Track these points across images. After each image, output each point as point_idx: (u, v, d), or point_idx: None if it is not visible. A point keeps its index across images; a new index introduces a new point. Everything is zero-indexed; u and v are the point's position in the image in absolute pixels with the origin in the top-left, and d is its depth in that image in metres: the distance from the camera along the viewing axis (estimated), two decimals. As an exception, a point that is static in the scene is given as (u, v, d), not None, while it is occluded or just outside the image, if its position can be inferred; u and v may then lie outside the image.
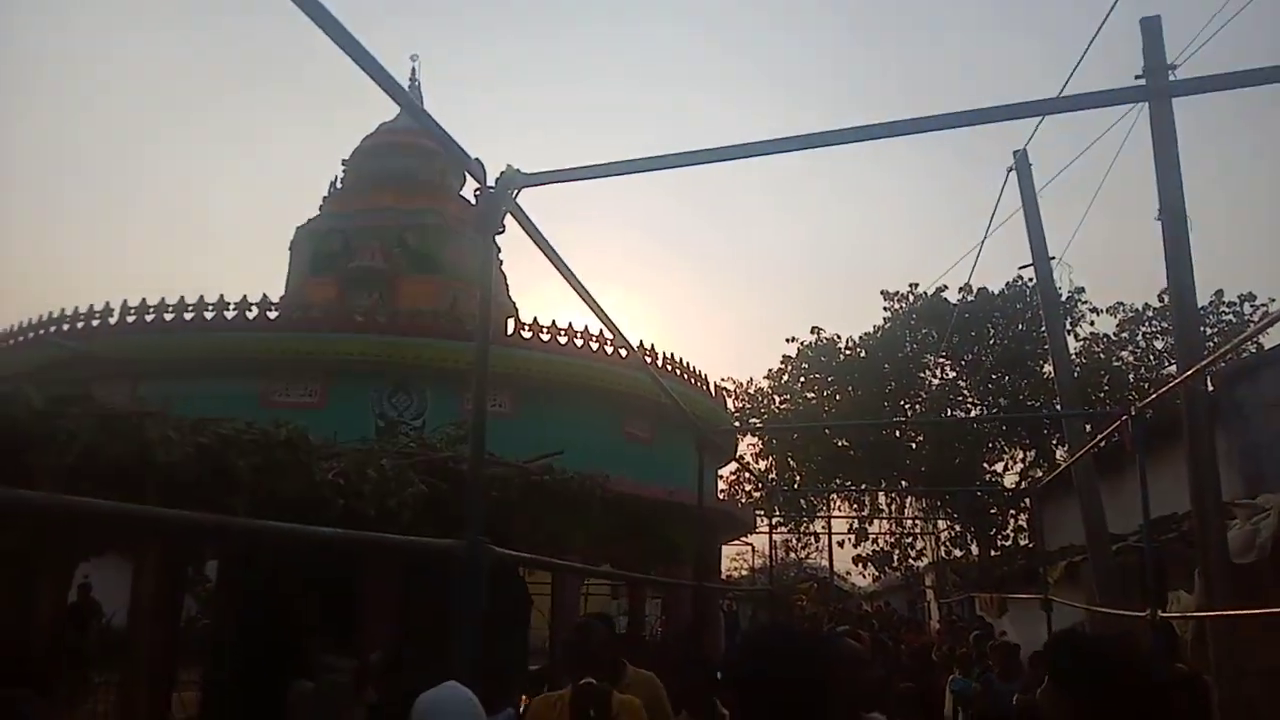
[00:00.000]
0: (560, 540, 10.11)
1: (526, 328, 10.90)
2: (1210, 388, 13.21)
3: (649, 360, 11.61)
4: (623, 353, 10.19)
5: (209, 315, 10.93)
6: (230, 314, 10.86)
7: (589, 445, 10.54)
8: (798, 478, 24.34)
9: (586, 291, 4.31)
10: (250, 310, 10.81)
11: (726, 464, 14.70)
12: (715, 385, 13.69)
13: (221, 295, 11.18)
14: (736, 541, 21.38)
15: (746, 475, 24.10)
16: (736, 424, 17.22)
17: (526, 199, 3.57)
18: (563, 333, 11.04)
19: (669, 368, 12.06)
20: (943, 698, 8.93)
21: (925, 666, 9.96)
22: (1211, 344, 20.77)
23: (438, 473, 7.12)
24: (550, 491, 8.70)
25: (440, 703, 2.46)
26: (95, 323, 11.40)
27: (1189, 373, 6.43)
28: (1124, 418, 6.97)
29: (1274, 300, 19.68)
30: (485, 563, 3.47)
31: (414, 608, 8.05)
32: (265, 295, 11.06)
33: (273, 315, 10.73)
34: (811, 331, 25.94)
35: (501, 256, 14.22)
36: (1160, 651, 5.67)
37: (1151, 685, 2.19)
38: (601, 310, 4.45)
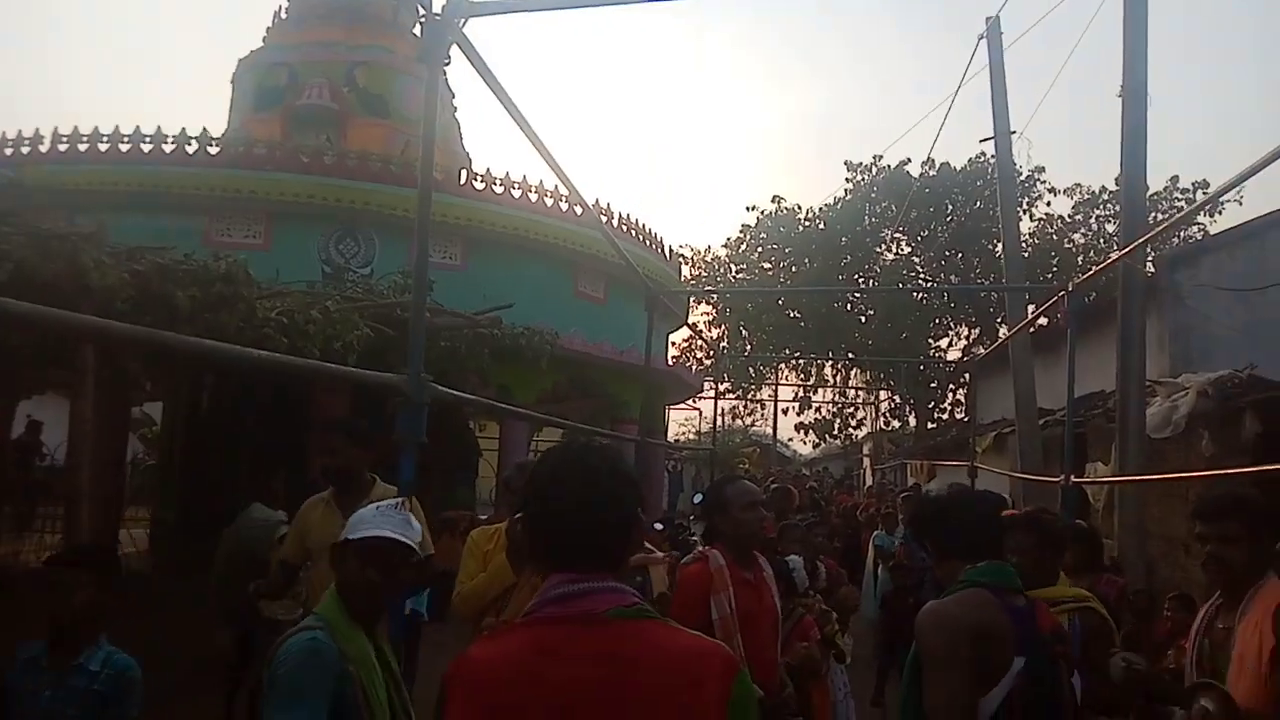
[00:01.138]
0: (509, 394, 10.24)
1: (479, 178, 10.64)
2: (1152, 271, 13.54)
3: (603, 218, 11.48)
4: (578, 209, 10.05)
5: (147, 148, 10.46)
6: (169, 147, 10.40)
7: (540, 302, 10.53)
8: (749, 346, 24.71)
9: (538, 138, 4.18)
10: (190, 144, 10.35)
11: (678, 329, 14.82)
12: (670, 249, 13.63)
13: (159, 127, 10.68)
14: (684, 406, 21.89)
15: (699, 342, 24.40)
16: (698, 292, 17.27)
17: (484, 45, 3.40)
18: (516, 185, 10.81)
19: (623, 228, 11.94)
20: (865, 551, 9.46)
21: (852, 524, 10.49)
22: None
23: (384, 319, 7.08)
24: (498, 344, 8.73)
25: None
26: (25, 149, 10.86)
27: (1123, 252, 6.56)
28: (1061, 294, 7.13)
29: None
30: (426, 397, 3.51)
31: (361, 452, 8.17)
32: (206, 129, 10.58)
33: (214, 151, 10.29)
34: (773, 200, 25.74)
35: (456, 103, 13.69)
36: (1070, 510, 6.02)
37: (984, 522, 2.36)
38: (553, 159, 4.34)
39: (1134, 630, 5.27)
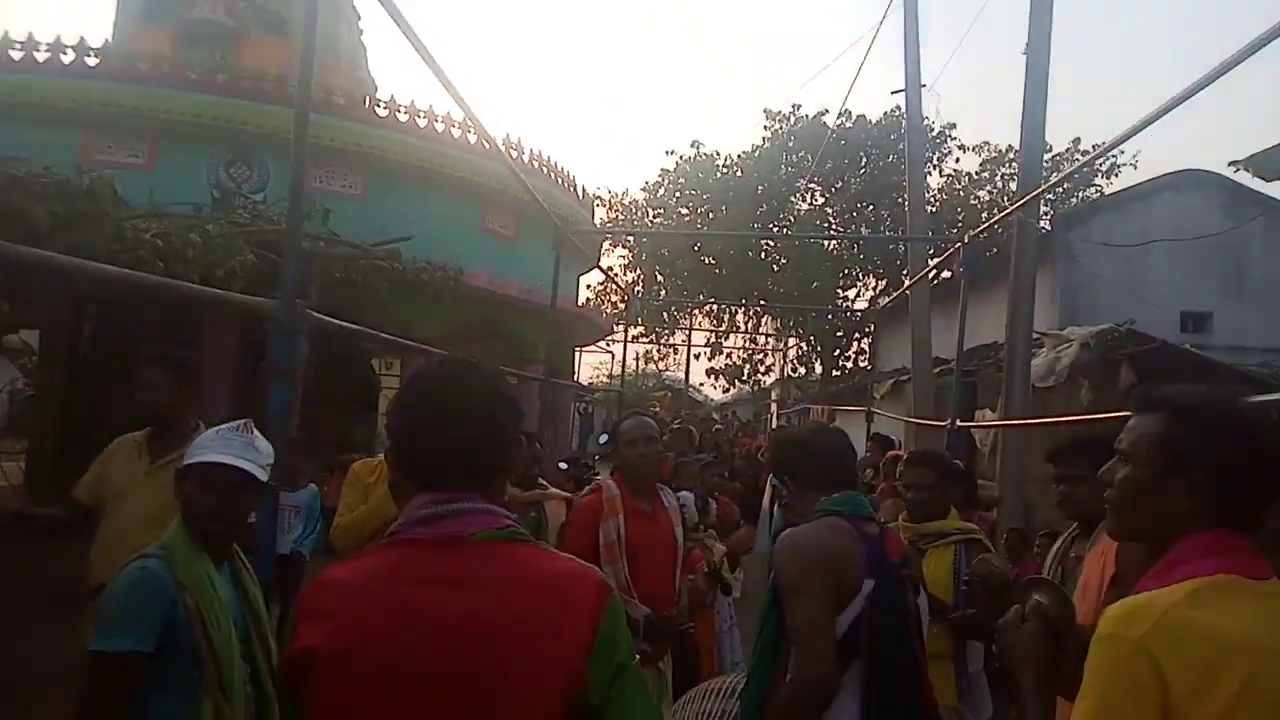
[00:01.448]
0: (411, 329, 9.96)
1: (382, 104, 10.20)
2: (1049, 229, 14.03)
3: (512, 152, 11.19)
4: (486, 143, 9.76)
5: (17, 55, 9.64)
6: (42, 55, 9.61)
7: (446, 236, 10.24)
8: (664, 292, 24.77)
9: (435, 62, 3.99)
10: (66, 53, 9.59)
11: (589, 271, 14.68)
12: (583, 189, 13.41)
13: (31, 34, 9.86)
14: (597, 349, 21.88)
15: (613, 286, 24.33)
16: (608, 232, 17.11)
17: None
18: (421, 114, 10.40)
19: (534, 163, 11.66)
20: (764, 491, 9.69)
21: (754, 465, 10.72)
22: (1062, 188, 21.87)
23: (274, 247, 6.76)
24: (398, 278, 8.47)
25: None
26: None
27: (1015, 205, 6.74)
28: (957, 246, 7.32)
29: (1123, 152, 20.67)
30: (301, 325, 3.37)
31: (250, 387, 7.90)
32: (84, 39, 9.80)
33: (92, 62, 9.55)
34: (691, 145, 25.65)
35: (363, 26, 13.06)
36: (957, 451, 6.26)
37: (838, 456, 2.48)
38: (453, 86, 4.14)
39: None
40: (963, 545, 3.48)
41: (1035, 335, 9.41)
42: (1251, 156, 5.98)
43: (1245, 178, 7.01)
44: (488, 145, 9.73)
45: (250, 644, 2.16)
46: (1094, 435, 2.86)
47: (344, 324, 3.97)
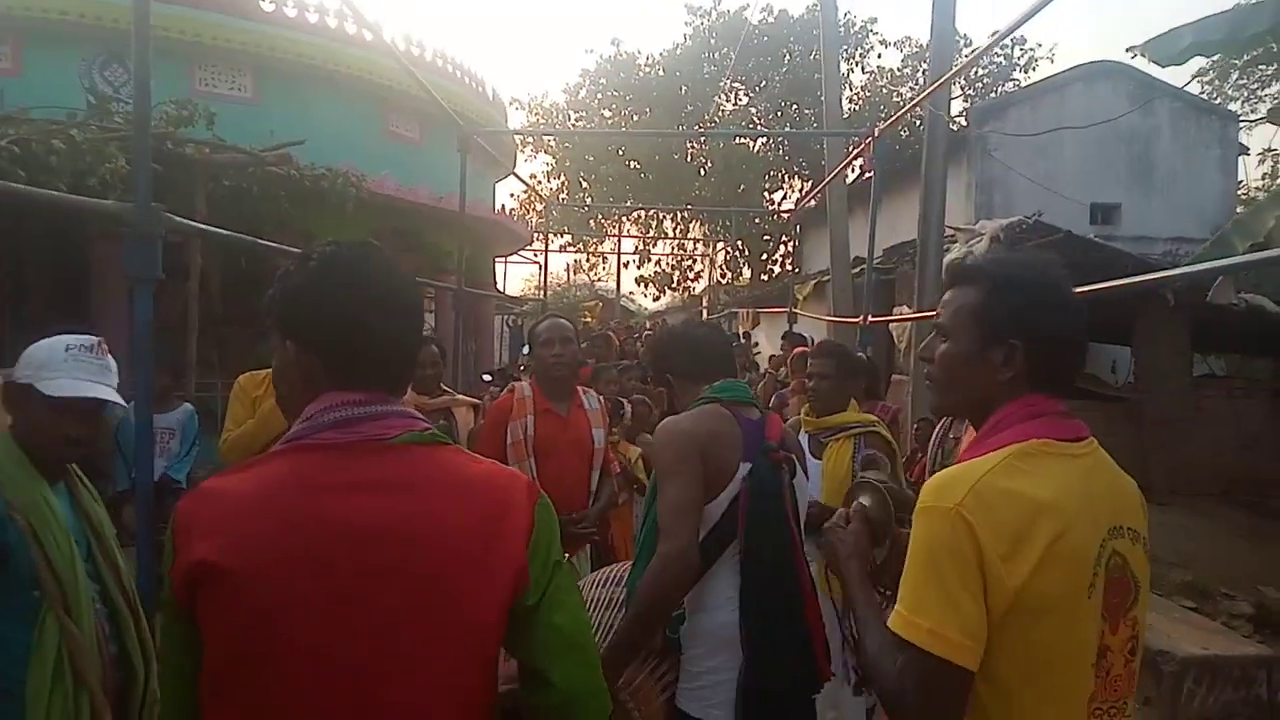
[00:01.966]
0: (315, 242, 9.55)
1: (269, -1, 9.52)
2: (965, 124, 14.07)
3: (414, 50, 10.63)
4: (369, 34, 9.20)
5: None
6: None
7: (347, 141, 9.74)
8: (589, 199, 24.37)
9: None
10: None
11: (505, 177, 14.24)
12: (493, 90, 12.86)
13: None
14: (522, 260, 21.47)
15: (536, 195, 23.84)
16: (516, 132, 16.55)
17: None
18: (312, 9, 9.73)
19: (436, 61, 11.10)
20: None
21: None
22: (981, 82, 21.90)
23: (152, 154, 6.32)
24: (295, 186, 8.04)
25: None
26: None
27: (921, 96, 6.67)
28: (868, 140, 7.23)
29: (1041, 45, 20.74)
30: (158, 228, 3.15)
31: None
32: (-72, -73, 8.85)
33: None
34: (611, 44, 24.89)
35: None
36: (863, 347, 6.33)
37: (716, 346, 2.50)
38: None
39: (913, 454, 5.70)
40: (862, 437, 3.52)
41: (949, 231, 9.51)
42: (1148, 42, 5.98)
43: (1157, 71, 7.06)
44: (369, 37, 9.24)
45: (96, 563, 2.07)
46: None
47: (212, 228, 3.73)
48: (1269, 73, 17.28)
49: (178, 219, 3.47)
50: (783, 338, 9.02)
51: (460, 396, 4.83)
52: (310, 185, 8.25)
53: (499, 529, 1.19)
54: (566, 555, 3.69)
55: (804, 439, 3.43)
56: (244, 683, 1.09)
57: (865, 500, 1.70)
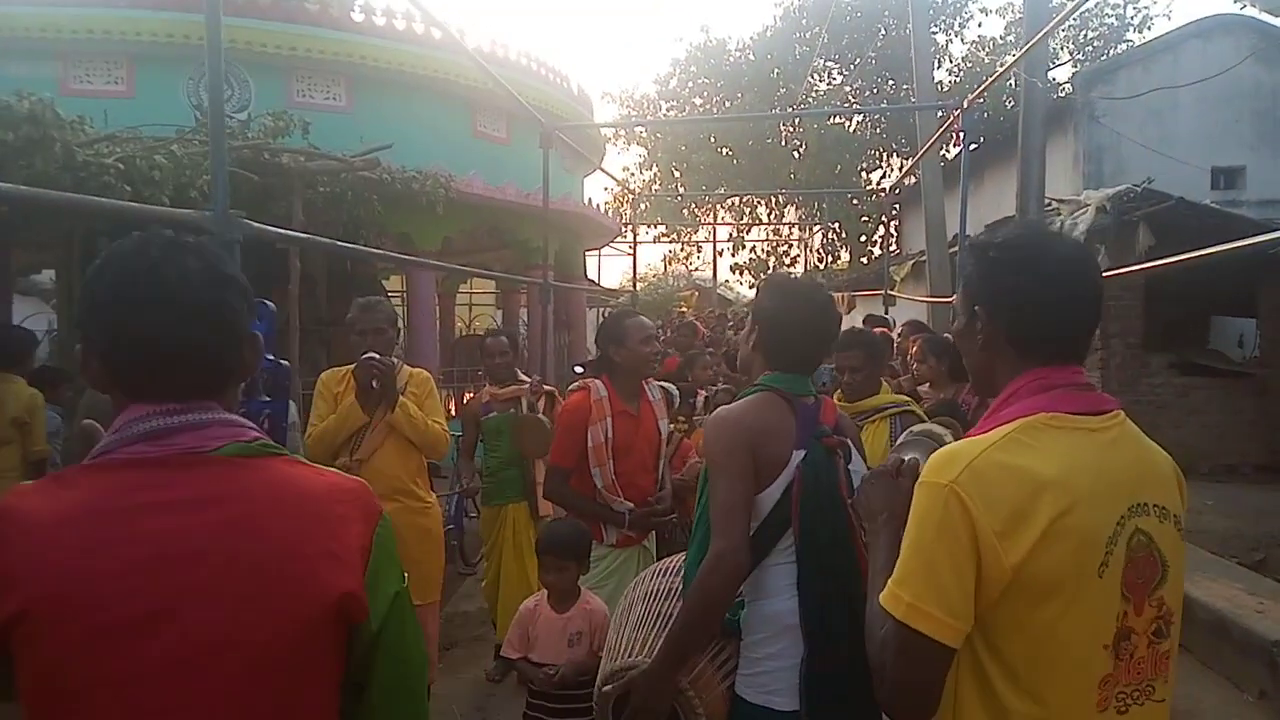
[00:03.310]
0: (410, 242, 9.87)
1: (358, 8, 9.82)
2: (1071, 90, 13.32)
3: (499, 51, 10.80)
4: (438, 34, 9.36)
5: (-15, -12, 9.43)
6: (9, -14, 9.39)
7: (437, 143, 10.00)
8: (682, 189, 24.28)
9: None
10: (33, -19, 9.35)
11: (592, 172, 14.33)
12: (579, 86, 12.94)
13: (-2, -36, 9.60)
14: (617, 252, 21.58)
15: (625, 188, 23.98)
16: (601, 126, 16.60)
17: None
18: (399, 17, 10.01)
19: (522, 61, 11.24)
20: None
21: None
22: (1092, 45, 20.70)
23: (252, 164, 6.64)
24: (387, 190, 8.30)
25: None
26: None
27: (1013, 62, 6.35)
28: (956, 112, 6.94)
29: (1156, 1, 19.45)
30: (236, 234, 3.29)
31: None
32: (51, -36, 9.52)
33: (61, -12, 9.30)
34: (701, 31, 24.71)
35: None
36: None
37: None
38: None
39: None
40: (898, 418, 3.54)
41: (1050, 202, 9.05)
42: (1265, -13, 5.49)
43: None
44: (439, 36, 9.34)
45: None
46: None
47: (291, 232, 3.88)
48: None
49: (254, 224, 3.61)
50: (864, 319, 8.79)
51: (523, 381, 4.91)
52: (402, 188, 8.51)
53: (330, 548, 1.11)
54: (633, 537, 3.71)
55: None
56: None
57: (919, 455, 1.55)
